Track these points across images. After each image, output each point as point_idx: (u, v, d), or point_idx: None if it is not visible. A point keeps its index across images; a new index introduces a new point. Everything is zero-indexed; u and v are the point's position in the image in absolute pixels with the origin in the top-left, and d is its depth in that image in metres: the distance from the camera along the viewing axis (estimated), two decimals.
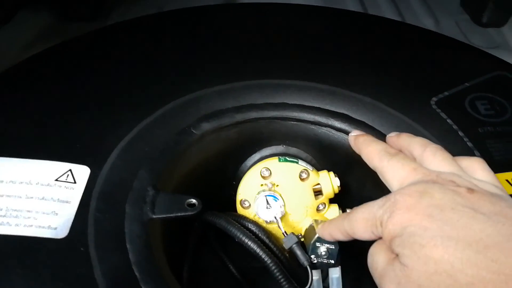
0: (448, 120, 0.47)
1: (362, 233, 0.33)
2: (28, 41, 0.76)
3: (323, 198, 0.45)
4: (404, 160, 0.35)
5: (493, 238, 0.27)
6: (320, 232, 0.39)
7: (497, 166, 0.42)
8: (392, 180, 0.34)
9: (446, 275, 0.27)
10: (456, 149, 0.44)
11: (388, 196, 0.32)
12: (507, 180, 0.43)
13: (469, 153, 0.44)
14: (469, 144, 0.45)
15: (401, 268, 0.29)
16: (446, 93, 0.50)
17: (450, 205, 0.29)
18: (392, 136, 0.40)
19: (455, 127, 0.47)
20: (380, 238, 0.32)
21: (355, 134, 0.42)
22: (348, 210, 0.41)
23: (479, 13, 0.85)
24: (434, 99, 0.50)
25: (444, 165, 0.34)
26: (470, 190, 0.30)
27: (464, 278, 0.26)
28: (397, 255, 0.30)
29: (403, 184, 0.33)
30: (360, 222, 0.33)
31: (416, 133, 0.45)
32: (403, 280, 0.29)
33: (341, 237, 0.36)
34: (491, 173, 0.34)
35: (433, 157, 0.35)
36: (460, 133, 0.46)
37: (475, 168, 0.34)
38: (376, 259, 0.32)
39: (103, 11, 0.83)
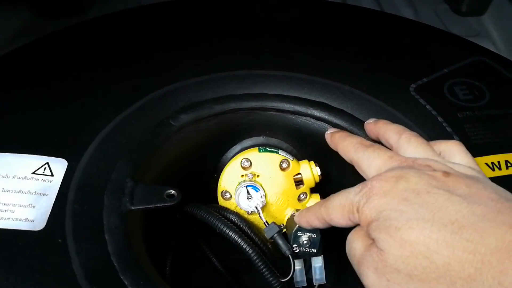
0: (427, 106, 0.48)
1: (339, 220, 0.33)
2: (7, 38, 0.75)
3: (304, 188, 0.45)
4: (380, 150, 0.35)
5: (468, 219, 0.27)
6: (297, 219, 0.39)
7: (476, 150, 0.43)
8: (368, 169, 0.35)
9: (422, 257, 0.27)
10: (435, 134, 0.44)
11: (365, 182, 0.32)
12: (486, 164, 0.43)
13: (448, 137, 0.45)
14: (448, 129, 0.46)
15: (377, 253, 0.29)
16: (424, 80, 0.51)
17: (426, 189, 0.29)
18: (369, 123, 0.41)
19: (434, 112, 0.47)
20: (358, 225, 0.32)
21: (331, 131, 0.43)
22: None
23: (459, 2, 0.85)
24: (413, 85, 0.50)
25: (419, 151, 0.34)
26: (446, 173, 0.30)
27: (440, 259, 0.26)
28: (373, 240, 0.30)
29: (380, 172, 0.33)
30: (337, 208, 0.33)
31: (396, 119, 0.45)
32: (380, 264, 0.29)
33: (319, 224, 0.36)
34: (468, 155, 0.34)
35: (408, 143, 0.35)
36: (439, 119, 0.47)
37: (453, 152, 0.34)
38: (354, 245, 0.32)
39: (82, 8, 0.82)
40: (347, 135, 0.40)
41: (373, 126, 0.40)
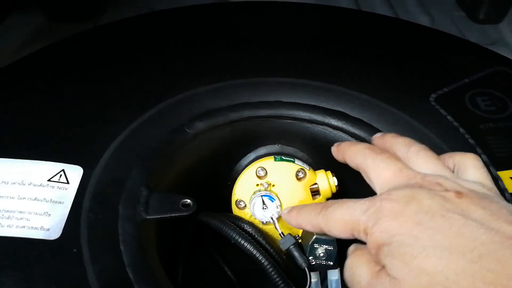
0: (448, 117, 0.47)
1: (340, 233, 0.32)
2: (21, 42, 0.75)
3: (321, 198, 0.45)
4: (389, 159, 0.33)
5: (488, 247, 0.26)
6: (286, 217, 0.37)
7: (499, 163, 0.42)
8: (376, 180, 0.33)
9: None
10: (457, 146, 0.43)
11: (372, 200, 0.30)
12: (511, 178, 0.42)
13: (471, 150, 0.44)
14: (471, 141, 0.45)
15: (391, 282, 0.28)
16: (445, 89, 0.50)
17: (440, 212, 0.28)
18: (377, 137, 0.39)
19: (455, 123, 0.46)
20: (358, 240, 0.31)
21: (337, 144, 0.41)
22: None
23: (475, 9, 0.84)
24: (433, 95, 0.49)
25: (430, 166, 0.33)
26: (459, 194, 0.29)
27: None
28: (383, 266, 0.28)
29: (388, 186, 0.32)
30: (339, 223, 0.31)
31: (416, 130, 0.44)
32: None
33: (312, 229, 0.35)
34: (482, 170, 0.33)
35: (417, 156, 0.33)
36: (461, 130, 0.46)
37: (466, 166, 0.33)
38: (359, 272, 0.30)
39: (96, 12, 0.82)
40: (355, 142, 0.39)
41: (381, 140, 0.38)
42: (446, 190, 0.29)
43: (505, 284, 0.24)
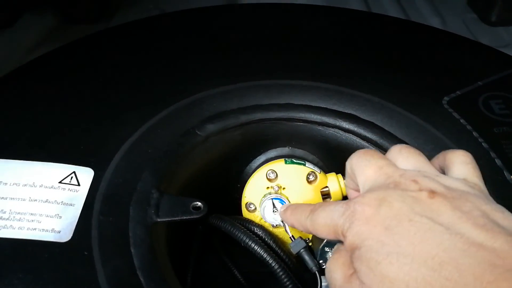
0: (462, 120, 0.46)
1: (325, 236, 0.32)
2: (32, 44, 0.76)
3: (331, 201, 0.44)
4: (373, 158, 0.33)
5: (449, 253, 0.25)
6: (282, 216, 0.38)
7: None
8: (359, 178, 0.33)
9: None
10: (470, 150, 0.42)
11: (349, 203, 0.31)
12: None
13: (485, 154, 0.43)
14: (485, 145, 0.44)
15: (359, 286, 0.28)
16: (458, 92, 0.49)
17: (408, 216, 0.28)
18: None
19: (469, 127, 0.46)
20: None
21: None
22: None
23: (488, 11, 0.83)
24: (446, 98, 0.49)
25: (411, 161, 0.32)
26: (432, 193, 0.28)
27: None
28: (355, 270, 0.29)
29: (369, 185, 0.32)
30: (323, 226, 0.32)
31: (428, 133, 0.44)
32: None
33: (303, 231, 0.35)
34: (469, 166, 0.32)
35: (399, 153, 0.33)
36: (475, 134, 0.45)
37: (454, 162, 0.33)
38: (334, 276, 0.31)
39: (106, 14, 0.82)
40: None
41: None
42: (420, 189, 0.29)
43: None
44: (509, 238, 0.25)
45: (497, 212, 0.27)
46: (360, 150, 0.35)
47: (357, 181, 0.33)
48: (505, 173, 0.42)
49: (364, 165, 0.33)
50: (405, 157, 0.33)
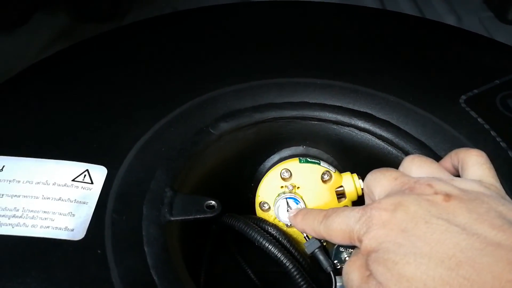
0: (479, 119, 0.46)
1: (340, 241, 0.33)
2: (45, 42, 0.76)
3: (346, 201, 0.44)
4: (387, 171, 0.34)
5: (466, 253, 0.26)
6: (292, 221, 0.39)
7: None
8: (375, 190, 0.34)
9: None
10: (488, 149, 0.42)
11: (365, 208, 0.31)
12: None
13: (502, 153, 0.43)
14: (502, 144, 0.43)
15: (376, 286, 0.29)
16: (475, 91, 0.49)
17: (425, 218, 0.28)
18: None
19: (486, 126, 0.45)
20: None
21: None
22: None
23: (504, 10, 0.82)
24: (463, 97, 0.48)
25: (424, 169, 0.33)
26: (447, 196, 0.29)
27: None
28: (371, 272, 0.29)
29: (383, 193, 0.33)
30: (338, 232, 0.33)
31: (445, 132, 0.43)
32: None
33: (315, 236, 0.37)
34: (484, 166, 0.33)
35: (411, 162, 0.34)
36: (492, 133, 0.44)
37: (468, 163, 0.33)
38: (351, 277, 0.31)
39: (119, 12, 0.82)
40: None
41: None
42: (435, 193, 0.30)
43: None
44: None
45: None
46: (374, 169, 0.36)
47: (374, 196, 0.34)
48: None
49: (379, 179, 0.34)
50: (418, 166, 0.34)
